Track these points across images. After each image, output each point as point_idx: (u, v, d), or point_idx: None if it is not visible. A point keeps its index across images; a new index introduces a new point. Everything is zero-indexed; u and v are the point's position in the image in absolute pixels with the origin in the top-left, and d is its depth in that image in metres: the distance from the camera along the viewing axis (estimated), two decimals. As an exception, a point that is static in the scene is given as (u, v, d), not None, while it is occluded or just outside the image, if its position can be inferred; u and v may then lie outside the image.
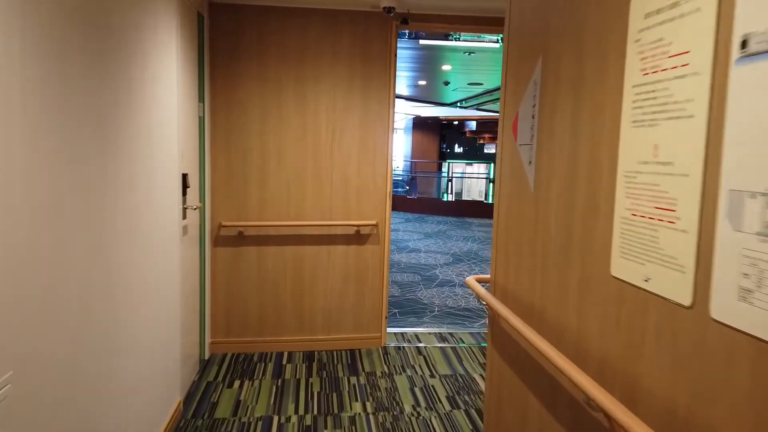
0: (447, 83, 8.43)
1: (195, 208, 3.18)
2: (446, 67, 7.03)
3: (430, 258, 7.81)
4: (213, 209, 3.90)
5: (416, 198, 13.88)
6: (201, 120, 3.65)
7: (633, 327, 1.33)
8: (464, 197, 14.80)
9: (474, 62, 6.62)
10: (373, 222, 4.06)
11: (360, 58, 3.93)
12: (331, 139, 3.98)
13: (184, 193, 3.13)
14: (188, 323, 3.39)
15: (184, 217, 3.17)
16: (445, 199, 13.37)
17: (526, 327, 1.87)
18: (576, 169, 1.64)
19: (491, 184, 14.64)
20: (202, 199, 3.71)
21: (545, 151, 1.87)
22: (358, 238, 4.08)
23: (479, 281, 2.43)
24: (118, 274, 2.06)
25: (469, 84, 8.55)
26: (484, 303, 2.31)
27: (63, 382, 1.64)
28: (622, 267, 1.37)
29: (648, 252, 1.26)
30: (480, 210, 12.63)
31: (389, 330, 4.45)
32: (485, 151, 18.12)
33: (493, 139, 17.65)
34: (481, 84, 8.57)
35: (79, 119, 1.70)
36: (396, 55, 4.00)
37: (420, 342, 4.29)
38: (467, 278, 2.43)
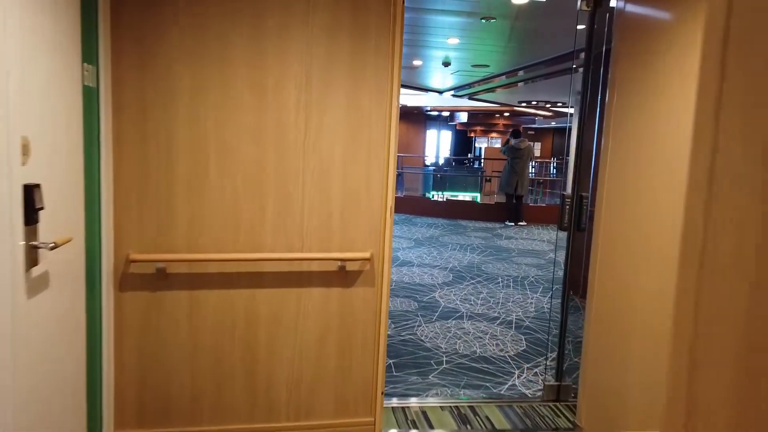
0: (447, 64, 7.07)
1: (51, 247, 1.78)
2: (453, 41, 5.68)
3: (425, 275, 6.49)
4: (117, 235, 2.50)
5: (403, 196, 12.54)
6: (90, 92, 2.24)
7: None
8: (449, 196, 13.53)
9: (487, 34, 5.29)
10: (366, 255, 2.70)
11: (349, 6, 2.56)
12: (304, 127, 2.61)
13: (32, 221, 1.73)
14: (55, 416, 2.01)
15: (36, 263, 1.78)
16: (434, 198, 12.08)
17: None
18: None
19: (483, 182, 13.39)
20: (94, 219, 2.31)
21: None
22: (342, 277, 2.73)
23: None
24: None
25: (473, 66, 7.22)
26: None
27: None
28: None
29: None
30: (473, 211, 11.37)
31: (385, 403, 3.11)
32: (476, 145, 16.88)
33: (486, 133, 16.41)
34: (487, 66, 7.24)
35: None
36: (404, 2, 2.64)
37: (431, 426, 2.96)
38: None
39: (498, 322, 4.85)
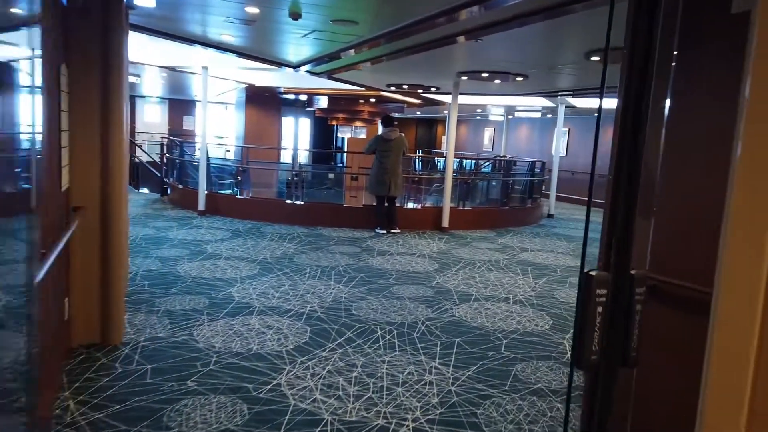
0: (297, 15, 4.82)
1: None
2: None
3: (269, 332, 4.26)
4: None
5: (249, 199, 10.07)
6: None
7: None
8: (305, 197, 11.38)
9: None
10: None
11: None
12: None
13: None
14: None
15: None
16: (290, 200, 9.80)
17: None
18: None
19: (345, 179, 11.38)
20: None
21: None
22: None
23: None
24: None
25: (334, 21, 5.07)
26: None
27: None
28: None
29: None
30: (337, 216, 9.31)
31: None
32: (339, 134, 14.81)
33: (349, 121, 14.41)
34: (355, 24, 5.15)
35: None
36: None
37: None
38: None
39: (387, 443, 2.82)
